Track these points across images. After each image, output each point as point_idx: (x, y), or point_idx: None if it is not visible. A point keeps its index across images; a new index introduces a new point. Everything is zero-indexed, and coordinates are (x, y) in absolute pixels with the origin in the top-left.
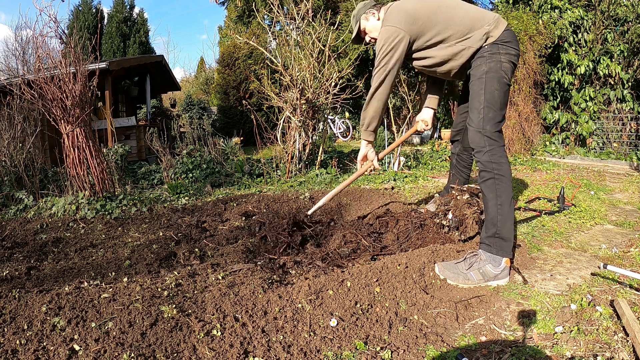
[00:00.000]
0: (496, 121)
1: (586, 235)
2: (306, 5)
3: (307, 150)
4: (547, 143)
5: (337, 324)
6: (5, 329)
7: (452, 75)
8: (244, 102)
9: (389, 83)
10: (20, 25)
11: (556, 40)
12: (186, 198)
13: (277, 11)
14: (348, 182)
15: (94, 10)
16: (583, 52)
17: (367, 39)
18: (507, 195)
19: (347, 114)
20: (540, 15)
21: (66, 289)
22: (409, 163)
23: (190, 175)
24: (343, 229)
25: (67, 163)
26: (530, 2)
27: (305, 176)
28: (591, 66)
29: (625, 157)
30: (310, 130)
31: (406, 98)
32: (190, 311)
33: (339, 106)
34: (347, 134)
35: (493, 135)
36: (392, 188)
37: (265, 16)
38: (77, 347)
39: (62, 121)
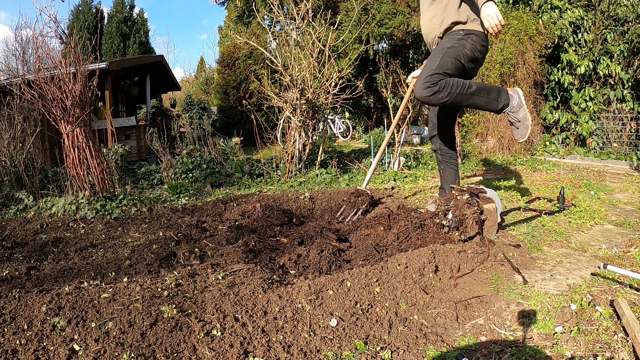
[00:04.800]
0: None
1: (586, 235)
2: (306, 5)
3: (307, 150)
4: (547, 143)
5: (337, 324)
6: (5, 329)
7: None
8: (244, 102)
9: None
10: (20, 25)
11: (556, 40)
12: (186, 198)
13: (277, 11)
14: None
15: (94, 10)
16: (583, 52)
17: None
18: (463, 87)
19: (347, 114)
20: (540, 15)
21: (66, 289)
22: (409, 163)
23: (190, 175)
24: (343, 228)
25: (67, 163)
26: (530, 2)
27: (305, 176)
28: (591, 66)
29: (625, 157)
30: (310, 130)
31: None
32: (190, 311)
33: (339, 106)
34: (347, 134)
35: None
36: (392, 188)
37: (265, 16)
38: (77, 347)
39: (62, 121)
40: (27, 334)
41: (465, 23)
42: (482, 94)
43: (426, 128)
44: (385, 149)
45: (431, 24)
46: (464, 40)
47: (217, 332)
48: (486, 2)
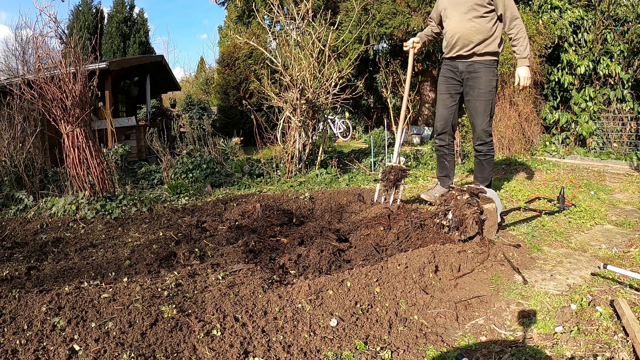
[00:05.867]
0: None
1: (586, 235)
2: (306, 5)
3: (307, 150)
4: (547, 143)
5: (337, 324)
6: (5, 329)
7: (459, 37)
8: (244, 102)
9: None
10: (20, 25)
11: (556, 40)
12: (186, 198)
13: (277, 11)
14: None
15: (94, 10)
16: (583, 52)
17: None
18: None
19: (347, 114)
20: (540, 15)
21: (66, 289)
22: (409, 163)
23: (190, 175)
24: (343, 228)
25: (67, 163)
26: (530, 2)
27: (305, 176)
28: (591, 66)
29: (625, 157)
30: (310, 130)
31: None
32: (190, 311)
33: (339, 106)
34: (347, 134)
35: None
36: None
37: (265, 16)
38: (77, 347)
39: (62, 121)
40: (27, 334)
41: (499, 54)
42: (493, 165)
43: (426, 128)
44: (404, 118)
45: (472, 37)
46: (497, 73)
47: (217, 332)
48: (524, 66)
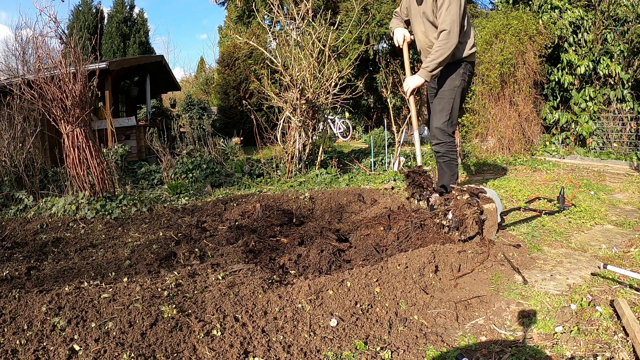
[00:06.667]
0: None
1: (586, 235)
2: (306, 5)
3: (307, 150)
4: (547, 143)
5: (337, 324)
6: (5, 329)
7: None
8: (244, 102)
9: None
10: (20, 25)
11: (556, 40)
12: (186, 198)
13: (277, 11)
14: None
15: (94, 10)
16: (583, 52)
17: None
18: (454, 159)
19: (347, 114)
20: (540, 15)
21: (66, 289)
22: (409, 163)
23: (190, 175)
24: (343, 228)
25: (67, 163)
26: (530, 2)
27: (305, 176)
28: (591, 66)
29: (625, 157)
30: (310, 130)
31: (406, 98)
32: (190, 311)
33: (339, 106)
34: (347, 134)
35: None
36: (392, 188)
37: (265, 16)
38: (77, 347)
39: (62, 121)
40: (27, 334)
41: (465, 56)
42: (455, 170)
43: (426, 128)
44: (416, 118)
45: (431, 45)
46: (464, 73)
47: (217, 332)
48: (418, 75)
